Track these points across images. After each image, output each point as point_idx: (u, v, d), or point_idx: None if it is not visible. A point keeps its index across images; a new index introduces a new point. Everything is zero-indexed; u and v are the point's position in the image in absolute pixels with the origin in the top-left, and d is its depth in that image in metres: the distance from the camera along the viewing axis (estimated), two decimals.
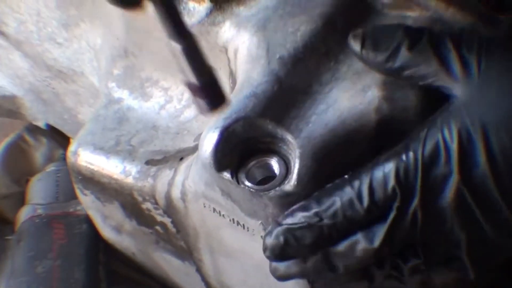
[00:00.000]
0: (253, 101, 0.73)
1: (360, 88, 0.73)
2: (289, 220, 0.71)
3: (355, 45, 0.71)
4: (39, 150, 1.22)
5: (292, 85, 0.74)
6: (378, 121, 0.72)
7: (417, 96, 0.71)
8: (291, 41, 0.76)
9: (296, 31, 0.76)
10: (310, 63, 0.75)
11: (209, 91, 0.66)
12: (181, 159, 0.84)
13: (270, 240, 0.71)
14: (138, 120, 0.91)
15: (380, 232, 0.69)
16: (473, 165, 0.66)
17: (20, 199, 1.15)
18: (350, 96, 0.73)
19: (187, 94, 0.89)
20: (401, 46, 0.69)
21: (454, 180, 0.67)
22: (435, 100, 0.69)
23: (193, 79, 0.66)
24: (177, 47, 0.64)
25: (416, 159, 0.67)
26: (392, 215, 0.68)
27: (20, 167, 1.20)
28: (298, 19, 0.77)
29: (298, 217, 0.71)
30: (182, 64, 0.65)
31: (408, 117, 0.71)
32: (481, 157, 0.66)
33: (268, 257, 0.73)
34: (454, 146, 0.66)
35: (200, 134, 0.80)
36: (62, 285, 0.99)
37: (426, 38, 0.68)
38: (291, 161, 0.72)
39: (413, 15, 0.75)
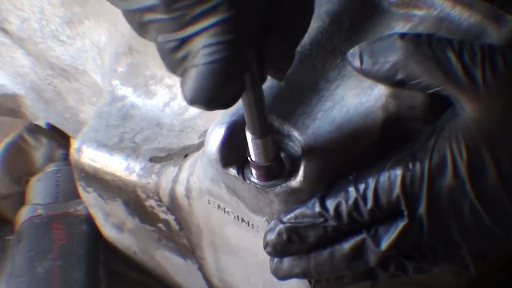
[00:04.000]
0: None
1: (366, 86, 0.72)
2: (293, 219, 0.71)
3: (355, 63, 0.71)
4: (39, 150, 1.22)
5: (299, 82, 0.74)
6: (385, 119, 0.71)
7: (424, 94, 0.70)
8: None
9: None
10: (316, 60, 0.75)
11: (270, 170, 0.71)
12: (186, 156, 0.84)
13: (272, 237, 0.72)
14: (142, 118, 0.91)
15: (386, 236, 0.69)
16: (483, 179, 0.67)
17: (20, 199, 1.15)
18: (356, 93, 0.73)
19: None
20: (400, 57, 0.68)
21: (466, 194, 0.67)
22: (442, 98, 0.69)
23: (259, 161, 0.70)
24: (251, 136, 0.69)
25: (422, 169, 0.67)
26: (402, 224, 0.68)
27: (20, 167, 1.20)
28: None
29: (303, 216, 0.71)
30: (252, 149, 0.70)
31: (415, 115, 0.71)
32: (491, 172, 0.66)
33: (268, 253, 0.73)
34: (463, 161, 0.66)
35: (204, 131, 0.80)
36: (62, 285, 0.99)
37: (426, 47, 0.68)
38: (297, 158, 0.72)
39: (419, 14, 0.75)
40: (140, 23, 0.60)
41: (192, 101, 0.61)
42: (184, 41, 0.59)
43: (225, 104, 0.62)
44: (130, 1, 0.59)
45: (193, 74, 0.60)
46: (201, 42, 0.58)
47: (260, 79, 0.66)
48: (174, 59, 0.60)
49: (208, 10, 0.57)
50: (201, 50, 0.58)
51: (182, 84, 0.61)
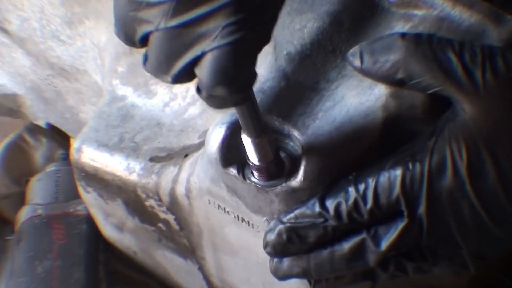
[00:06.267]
0: (260, 97, 0.73)
1: (367, 85, 0.72)
2: (293, 219, 0.71)
3: (355, 62, 0.70)
4: (39, 150, 1.22)
5: (299, 82, 0.74)
6: (385, 118, 0.71)
7: (424, 94, 0.70)
8: (298, 37, 0.76)
9: (303, 28, 0.76)
10: (317, 60, 0.75)
11: (270, 169, 0.71)
12: (186, 155, 0.84)
13: (272, 237, 0.72)
14: (142, 117, 0.91)
15: (386, 236, 0.69)
16: (483, 180, 0.67)
17: (20, 199, 1.15)
18: (357, 93, 0.73)
19: (191, 92, 0.89)
20: (400, 57, 0.68)
21: (466, 194, 0.67)
22: (442, 98, 0.69)
23: (257, 162, 0.70)
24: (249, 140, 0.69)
25: (422, 170, 0.67)
26: (402, 224, 0.68)
27: (20, 167, 1.20)
28: (305, 16, 0.77)
29: (303, 217, 0.71)
30: (249, 150, 0.70)
31: (415, 115, 0.71)
32: (491, 172, 0.66)
33: (268, 253, 0.73)
34: (463, 161, 0.66)
35: (205, 131, 0.80)
36: (62, 286, 0.99)
37: (427, 47, 0.67)
38: (298, 158, 0.72)
39: (419, 14, 0.74)
40: (138, 9, 0.60)
41: (215, 84, 0.61)
42: (196, 21, 0.59)
43: (248, 84, 0.62)
44: None
45: (211, 57, 0.60)
46: (217, 22, 0.58)
47: None
48: (178, 47, 0.60)
49: None
50: (220, 31, 0.59)
51: (199, 71, 0.61)
